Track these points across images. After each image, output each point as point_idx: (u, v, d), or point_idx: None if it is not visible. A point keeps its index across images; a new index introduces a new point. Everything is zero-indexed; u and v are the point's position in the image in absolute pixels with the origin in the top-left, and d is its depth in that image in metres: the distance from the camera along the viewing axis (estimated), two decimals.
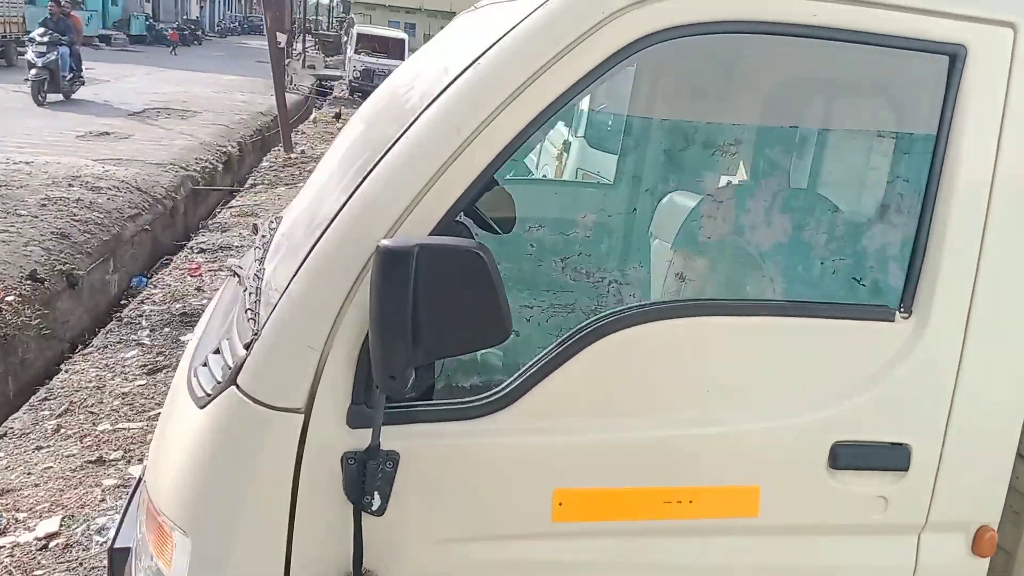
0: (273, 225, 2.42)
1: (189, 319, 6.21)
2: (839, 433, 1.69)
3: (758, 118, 2.26)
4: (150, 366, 5.41)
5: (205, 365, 1.70)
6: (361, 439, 1.54)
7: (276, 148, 12.78)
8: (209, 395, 1.59)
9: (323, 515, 1.56)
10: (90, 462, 4.26)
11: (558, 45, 1.52)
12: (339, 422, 1.54)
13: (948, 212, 1.66)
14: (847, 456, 1.69)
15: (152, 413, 4.78)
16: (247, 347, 1.58)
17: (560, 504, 1.62)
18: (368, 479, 1.52)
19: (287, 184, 10.68)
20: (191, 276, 7.19)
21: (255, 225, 2.65)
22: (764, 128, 2.29)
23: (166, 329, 6.05)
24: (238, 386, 1.54)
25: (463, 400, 1.61)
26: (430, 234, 1.51)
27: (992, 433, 1.75)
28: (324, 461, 1.54)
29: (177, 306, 6.46)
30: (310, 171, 11.67)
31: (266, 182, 10.81)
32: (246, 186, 10.64)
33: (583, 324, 1.61)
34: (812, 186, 2.20)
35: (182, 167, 9.91)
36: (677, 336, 1.63)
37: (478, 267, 1.41)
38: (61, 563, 3.49)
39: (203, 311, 6.31)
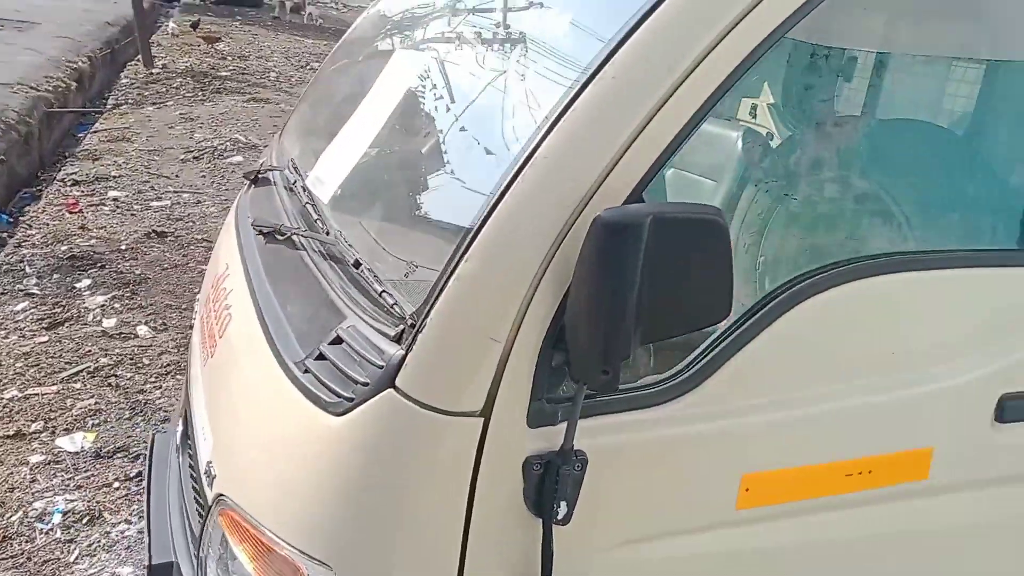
0: (293, 170, 2.05)
1: (80, 263, 5.53)
2: (1006, 386, 1.60)
3: (909, 45, 2.07)
4: (48, 319, 4.79)
5: (321, 359, 1.38)
6: (542, 440, 1.30)
7: (131, 63, 11.54)
8: (351, 400, 1.29)
9: (502, 529, 1.32)
10: (7, 437, 3.73)
11: None
12: (520, 423, 1.29)
13: None
14: (1013, 408, 1.61)
15: (66, 374, 4.24)
16: (399, 340, 1.28)
17: (747, 490, 1.45)
18: (560, 485, 1.29)
19: (155, 103, 9.68)
20: (70, 213, 6.40)
21: (254, 175, 2.24)
22: (907, 57, 2.11)
23: (55, 276, 5.36)
24: (397, 388, 1.25)
25: (645, 386, 1.38)
26: (627, 200, 1.25)
27: None
28: (504, 469, 1.29)
29: (63, 248, 5.73)
30: (179, 87, 10.64)
31: (130, 101, 9.74)
32: (108, 107, 9.54)
33: (770, 293, 1.42)
34: (959, 123, 2.07)
35: (32, 87, 8.72)
36: (864, 297, 1.47)
37: (717, 237, 1.18)
38: (2, 559, 3.04)
39: (95, 254, 5.71)
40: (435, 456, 1.27)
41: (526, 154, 1.26)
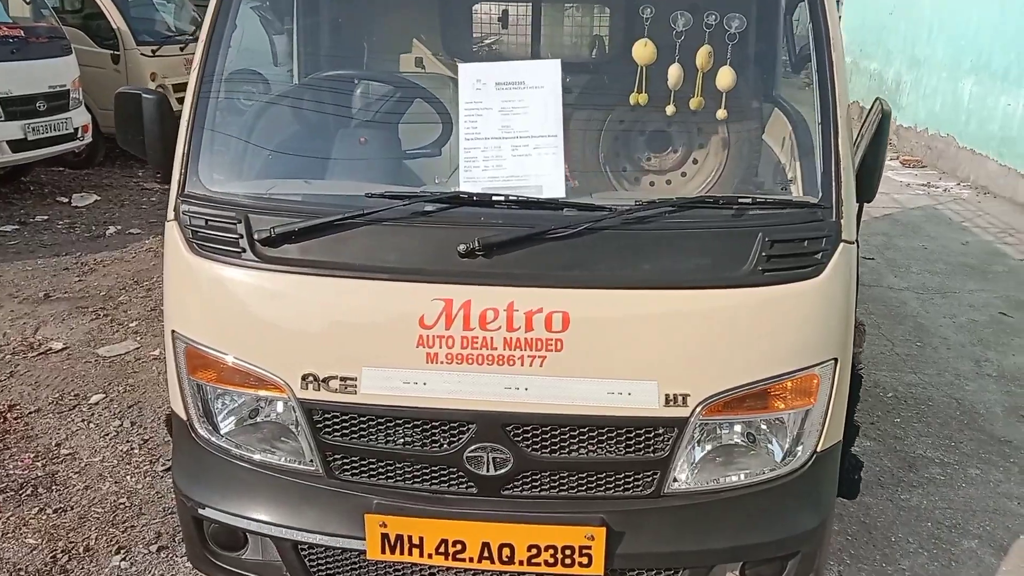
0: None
1: None
2: None
3: None
4: None
5: (772, 258, 2.12)
6: None
7: None
8: (822, 263, 2.15)
9: None
10: None
11: None
12: None
13: None
14: None
15: None
16: (820, 218, 2.22)
17: None
18: None
19: None
20: None
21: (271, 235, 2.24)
22: None
23: None
24: (845, 240, 2.20)
25: None
26: None
27: None
28: None
29: None
30: None
31: None
32: None
33: None
34: None
35: None
36: None
37: None
38: None
39: None
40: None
41: None
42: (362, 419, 2.22)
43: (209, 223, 2.26)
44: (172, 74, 9.71)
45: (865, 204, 2.59)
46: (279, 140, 2.64)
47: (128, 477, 3.69)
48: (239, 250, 2.21)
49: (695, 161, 2.86)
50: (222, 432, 2.36)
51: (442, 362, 2.14)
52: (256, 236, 2.20)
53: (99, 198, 8.56)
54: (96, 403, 4.35)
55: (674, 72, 2.43)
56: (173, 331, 2.34)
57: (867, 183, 2.41)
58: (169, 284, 2.40)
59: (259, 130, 2.59)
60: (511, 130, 2.33)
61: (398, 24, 3.56)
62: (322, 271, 2.18)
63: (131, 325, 5.38)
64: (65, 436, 4.04)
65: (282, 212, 2.25)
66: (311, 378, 2.19)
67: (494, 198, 2.23)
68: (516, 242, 2.14)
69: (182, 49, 9.98)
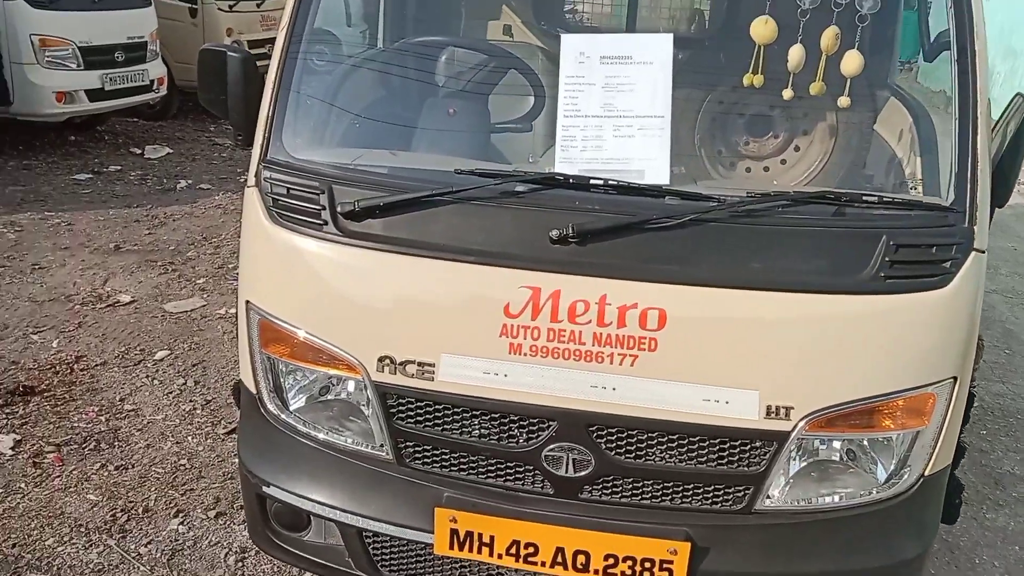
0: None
1: None
2: None
3: None
4: None
5: (895, 264, 1.94)
6: None
7: None
8: (950, 272, 1.95)
9: None
10: None
11: None
12: None
13: None
14: None
15: None
16: (951, 223, 2.01)
17: None
18: None
19: None
20: None
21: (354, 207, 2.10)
22: None
23: None
24: (976, 249, 1.99)
25: None
26: None
27: None
28: None
29: None
30: None
31: None
32: None
33: None
34: None
35: None
36: None
37: None
38: None
39: None
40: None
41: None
42: (438, 407, 2.10)
43: (291, 192, 2.15)
44: (248, 30, 9.75)
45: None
46: (365, 107, 2.53)
47: (189, 438, 3.67)
48: (321, 222, 2.10)
49: (797, 148, 2.67)
50: (291, 409, 2.27)
51: (526, 354, 2.00)
52: (339, 209, 2.08)
53: (171, 151, 8.63)
54: (161, 360, 4.34)
55: (795, 53, 2.21)
56: (248, 302, 2.25)
57: (1001, 187, 2.18)
58: (246, 253, 2.31)
59: (345, 96, 2.48)
60: (614, 109, 2.16)
61: None
62: (405, 249, 2.06)
63: (198, 282, 5.37)
64: (129, 391, 4.03)
65: (366, 184, 2.13)
66: (388, 360, 2.08)
67: (592, 181, 2.07)
68: (613, 230, 1.98)
69: (259, 5, 10.03)
